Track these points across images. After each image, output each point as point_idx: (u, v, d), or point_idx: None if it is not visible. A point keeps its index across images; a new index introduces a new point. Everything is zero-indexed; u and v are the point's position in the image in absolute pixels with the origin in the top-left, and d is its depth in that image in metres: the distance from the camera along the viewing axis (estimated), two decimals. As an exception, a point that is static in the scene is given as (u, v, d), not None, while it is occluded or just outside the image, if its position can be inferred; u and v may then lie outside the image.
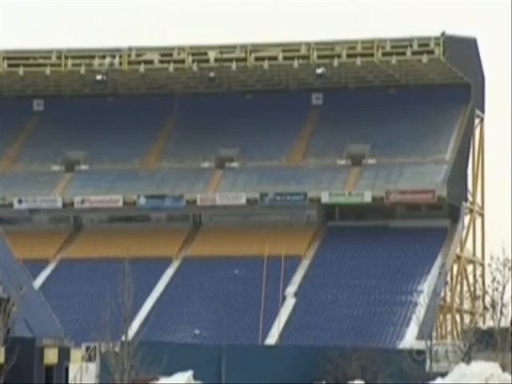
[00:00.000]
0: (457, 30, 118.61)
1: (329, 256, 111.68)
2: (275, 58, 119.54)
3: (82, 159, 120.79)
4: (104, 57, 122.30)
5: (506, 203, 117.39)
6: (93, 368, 66.02)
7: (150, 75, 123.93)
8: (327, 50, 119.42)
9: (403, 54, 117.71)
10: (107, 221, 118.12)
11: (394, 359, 67.51)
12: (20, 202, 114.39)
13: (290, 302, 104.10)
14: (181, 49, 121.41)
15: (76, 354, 62.04)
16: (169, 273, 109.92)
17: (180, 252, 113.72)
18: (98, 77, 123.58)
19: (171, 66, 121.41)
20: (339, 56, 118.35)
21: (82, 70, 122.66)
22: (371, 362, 62.42)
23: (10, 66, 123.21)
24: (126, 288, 49.94)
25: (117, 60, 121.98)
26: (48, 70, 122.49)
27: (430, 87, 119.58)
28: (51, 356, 57.25)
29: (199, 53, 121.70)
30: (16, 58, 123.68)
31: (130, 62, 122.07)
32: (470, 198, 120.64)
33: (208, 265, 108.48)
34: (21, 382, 48.51)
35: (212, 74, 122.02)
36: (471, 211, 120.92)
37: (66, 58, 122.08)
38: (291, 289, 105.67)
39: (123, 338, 49.90)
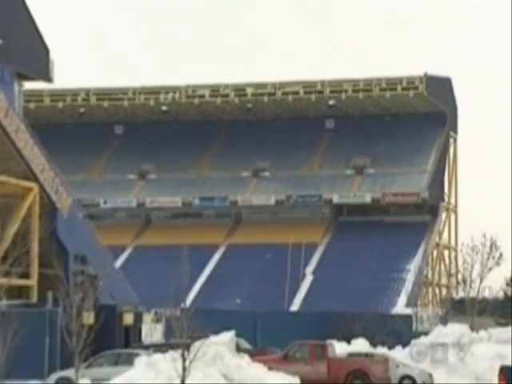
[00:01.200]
0: (435, 69, 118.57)
1: (338, 243, 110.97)
2: (297, 93, 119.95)
3: (151, 170, 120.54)
4: (168, 92, 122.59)
5: (473, 203, 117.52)
6: (160, 328, 64.21)
7: (203, 106, 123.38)
8: (337, 86, 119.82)
9: (395, 89, 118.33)
10: (170, 217, 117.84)
11: (388, 322, 66.63)
12: (105, 202, 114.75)
13: (308, 279, 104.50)
14: (226, 86, 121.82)
15: (147, 318, 62.49)
16: (216, 256, 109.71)
17: (225, 241, 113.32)
18: (164, 108, 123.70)
19: (218, 99, 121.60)
20: (346, 91, 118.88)
21: (152, 102, 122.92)
22: (371, 324, 60.93)
23: (97, 100, 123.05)
24: (184, 267, 48.48)
25: (177, 95, 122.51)
26: (126, 103, 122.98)
27: (416, 115, 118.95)
28: (128, 319, 57.44)
29: (239, 89, 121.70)
30: (102, 93, 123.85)
31: (187, 97, 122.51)
32: (446, 199, 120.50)
33: (246, 250, 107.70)
34: (105, 339, 46.97)
35: (249, 105, 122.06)
36: (447, 209, 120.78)
37: (140, 93, 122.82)
38: (309, 268, 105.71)
39: (182, 305, 48.62)
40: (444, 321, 63.88)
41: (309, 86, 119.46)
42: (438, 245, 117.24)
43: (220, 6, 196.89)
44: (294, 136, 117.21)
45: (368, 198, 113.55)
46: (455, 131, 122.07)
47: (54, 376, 42.75)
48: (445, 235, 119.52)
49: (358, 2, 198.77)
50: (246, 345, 48.14)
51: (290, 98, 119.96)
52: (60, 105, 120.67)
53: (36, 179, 70.65)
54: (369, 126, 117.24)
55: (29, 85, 79.26)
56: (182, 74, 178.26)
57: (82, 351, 40.36)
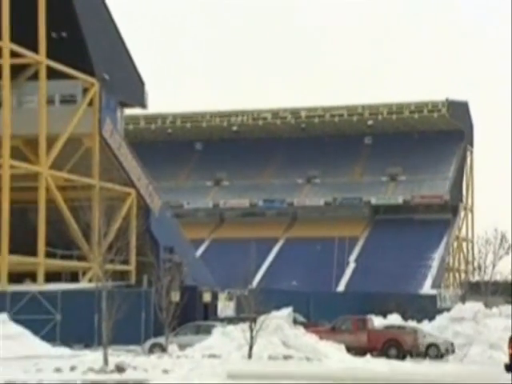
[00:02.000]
0: (455, 94, 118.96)
1: (375, 237, 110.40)
2: (342, 115, 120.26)
3: (224, 178, 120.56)
4: (237, 116, 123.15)
5: (487, 203, 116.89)
6: (231, 305, 64.48)
7: (265, 126, 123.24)
8: (374, 109, 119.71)
9: (422, 111, 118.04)
10: (240, 216, 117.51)
11: (417, 300, 66.69)
12: (188, 204, 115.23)
13: (351, 266, 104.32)
14: (284, 110, 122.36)
15: (221, 296, 62.27)
16: (276, 247, 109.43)
17: (283, 235, 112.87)
18: (234, 128, 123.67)
19: (278, 121, 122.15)
20: (382, 113, 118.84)
21: (225, 123, 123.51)
22: (403, 302, 60.79)
23: (182, 122, 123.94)
24: (251, 256, 48.85)
25: (245, 118, 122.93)
26: (204, 124, 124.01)
27: (439, 132, 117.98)
28: (207, 297, 57.23)
29: (295, 112, 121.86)
30: (185, 117, 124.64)
31: (253, 119, 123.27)
32: (464, 200, 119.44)
33: (300, 243, 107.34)
34: (189, 313, 47.51)
35: (303, 125, 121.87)
36: (465, 209, 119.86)
37: (215, 117, 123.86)
38: (352, 257, 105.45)
39: (250, 286, 48.96)
40: (463, 299, 63.55)
41: (351, 110, 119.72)
42: (457, 238, 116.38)
43: (277, 44, 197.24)
44: (339, 150, 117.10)
45: (400, 200, 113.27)
46: (471, 145, 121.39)
47: (149, 342, 43.39)
48: (463, 230, 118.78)
49: (390, 39, 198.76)
50: (301, 319, 48.26)
51: (336, 119, 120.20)
52: (152, 126, 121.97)
53: (134, 186, 71.45)
54: (400, 142, 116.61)
55: (128, 111, 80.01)
56: (249, 99, 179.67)
57: (170, 323, 41.01)
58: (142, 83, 75.75)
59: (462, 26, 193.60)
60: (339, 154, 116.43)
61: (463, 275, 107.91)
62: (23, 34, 60.70)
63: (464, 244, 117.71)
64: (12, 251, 59.94)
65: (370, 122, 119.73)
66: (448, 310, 56.32)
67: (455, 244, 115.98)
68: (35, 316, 50.58)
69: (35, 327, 48.26)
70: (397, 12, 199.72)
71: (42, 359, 35.09)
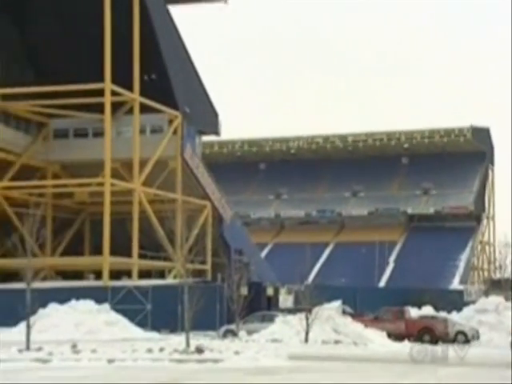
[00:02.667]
0: (479, 121, 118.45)
1: (411, 241, 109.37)
2: (382, 140, 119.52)
3: (284, 193, 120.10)
4: (294, 141, 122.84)
5: (506, 213, 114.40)
6: (290, 298, 63.44)
7: (318, 150, 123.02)
8: (409, 135, 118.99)
9: (450, 136, 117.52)
10: (297, 224, 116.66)
11: (447, 294, 66.09)
12: (254, 214, 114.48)
13: (391, 265, 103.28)
14: (333, 136, 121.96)
15: (282, 291, 61.64)
16: (328, 250, 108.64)
17: (333, 240, 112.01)
18: (292, 151, 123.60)
19: (328, 145, 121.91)
20: (416, 138, 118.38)
21: (284, 147, 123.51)
22: (435, 296, 60.04)
23: (249, 146, 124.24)
24: (306, 257, 49.22)
25: (301, 142, 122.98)
26: (267, 148, 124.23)
27: (464, 153, 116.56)
28: (270, 291, 57.36)
29: (343, 137, 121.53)
30: (251, 142, 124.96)
31: (307, 143, 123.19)
32: (486, 210, 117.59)
33: (348, 246, 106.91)
34: (255, 305, 47.74)
35: (350, 148, 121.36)
36: (487, 217, 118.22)
37: (276, 142, 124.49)
38: (391, 258, 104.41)
39: (305, 282, 49.17)
40: (486, 294, 63.15)
41: (390, 135, 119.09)
42: (481, 242, 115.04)
43: (326, 78, 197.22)
44: (380, 168, 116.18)
45: (432, 210, 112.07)
46: (492, 164, 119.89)
47: (223, 328, 43.65)
48: (486, 235, 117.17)
49: (422, 72, 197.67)
50: (348, 310, 48.07)
51: (377, 143, 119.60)
52: (224, 150, 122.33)
53: (209, 199, 71.99)
54: (432, 162, 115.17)
55: (205, 138, 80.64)
56: (305, 126, 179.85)
57: (240, 313, 41.54)
58: (216, 114, 76.29)
59: (481, 60, 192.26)
60: (380, 172, 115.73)
61: (486, 273, 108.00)
62: (121, 76, 61.74)
63: (487, 247, 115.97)
64: (112, 253, 60.87)
65: (406, 145, 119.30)
66: (473, 302, 55.86)
67: (479, 247, 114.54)
68: (130, 306, 51.30)
69: (130, 315, 49.09)
70: (427, 46, 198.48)
71: (136, 342, 35.68)
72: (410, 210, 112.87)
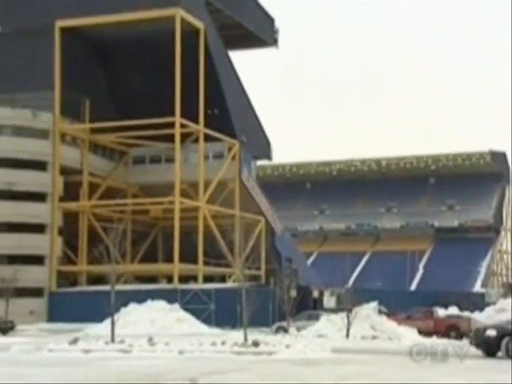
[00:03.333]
0: (497, 145, 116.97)
1: (438, 250, 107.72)
2: (412, 163, 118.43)
3: (327, 208, 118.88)
4: (335, 164, 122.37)
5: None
6: (333, 299, 60.09)
7: (356, 172, 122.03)
8: (436, 158, 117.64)
9: (471, 159, 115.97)
10: (338, 235, 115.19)
11: (470, 296, 65.60)
12: (301, 227, 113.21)
13: (421, 271, 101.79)
14: (370, 159, 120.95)
15: (326, 293, 60.47)
16: (365, 258, 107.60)
17: (370, 249, 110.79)
18: (334, 173, 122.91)
19: (365, 167, 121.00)
20: (442, 161, 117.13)
21: (327, 170, 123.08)
22: (460, 298, 59.49)
23: (296, 169, 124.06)
24: (347, 264, 49.35)
25: (341, 165, 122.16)
26: (312, 170, 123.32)
27: (484, 174, 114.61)
28: (315, 294, 57.59)
29: (377, 161, 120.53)
30: (298, 165, 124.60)
31: (347, 166, 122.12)
32: (504, 223, 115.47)
33: (383, 255, 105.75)
34: (303, 305, 47.52)
35: (383, 170, 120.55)
36: (505, 229, 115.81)
37: (319, 165, 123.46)
38: (421, 265, 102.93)
39: (346, 286, 49.01)
40: (504, 296, 62.49)
41: (419, 159, 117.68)
42: (499, 251, 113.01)
43: (360, 106, 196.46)
44: (410, 187, 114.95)
45: (456, 223, 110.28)
46: (509, 183, 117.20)
47: (275, 325, 43.49)
48: (504, 245, 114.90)
49: (447, 101, 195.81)
50: (384, 310, 47.67)
51: (408, 165, 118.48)
52: (276, 173, 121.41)
53: (263, 214, 72.25)
54: (456, 181, 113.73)
55: (259, 162, 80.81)
56: (344, 150, 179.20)
57: (290, 312, 41.52)
58: (268, 142, 76.67)
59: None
60: (410, 190, 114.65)
61: (504, 278, 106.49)
62: (188, 111, 62.46)
63: (505, 255, 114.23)
64: (181, 261, 61.40)
65: (433, 167, 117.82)
66: (493, 303, 55.37)
67: (498, 255, 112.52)
68: (197, 306, 51.74)
69: (197, 314, 49.43)
70: (453, 77, 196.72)
71: (202, 336, 35.88)
72: (436, 224, 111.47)
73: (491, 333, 23.34)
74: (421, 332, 39.19)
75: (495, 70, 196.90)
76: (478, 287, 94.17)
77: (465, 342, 29.43)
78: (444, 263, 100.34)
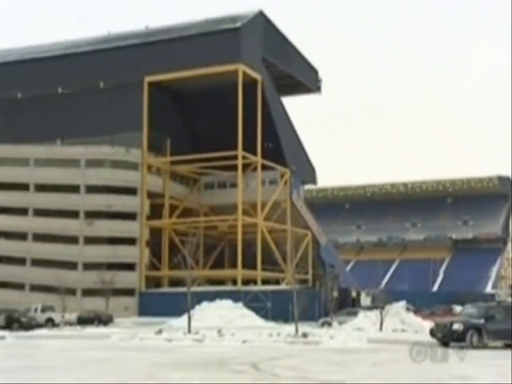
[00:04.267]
0: (503, 170, 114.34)
1: (456, 258, 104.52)
2: (433, 186, 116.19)
3: (363, 224, 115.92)
4: (370, 187, 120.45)
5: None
6: (369, 299, 58.87)
7: (387, 193, 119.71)
8: (452, 182, 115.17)
9: (482, 183, 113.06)
10: (372, 246, 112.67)
11: (483, 296, 63.58)
12: (341, 239, 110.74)
13: (441, 275, 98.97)
14: (398, 184, 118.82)
15: (363, 294, 59.42)
16: (394, 265, 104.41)
17: (398, 257, 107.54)
18: (368, 194, 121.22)
19: (395, 190, 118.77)
20: (457, 184, 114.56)
21: (362, 192, 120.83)
22: (474, 297, 57.64)
23: (338, 191, 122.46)
24: (379, 270, 49.16)
25: (375, 188, 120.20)
26: (350, 192, 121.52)
27: (493, 195, 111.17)
28: (354, 294, 57.36)
29: (405, 185, 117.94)
30: (339, 189, 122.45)
31: (379, 189, 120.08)
32: (510, 235, 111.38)
33: (409, 262, 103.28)
34: (343, 303, 47.49)
35: (409, 192, 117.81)
36: (511, 241, 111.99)
37: (357, 188, 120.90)
38: (441, 270, 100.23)
39: (379, 288, 48.33)
40: (511, 296, 60.73)
41: (439, 183, 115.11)
42: (507, 258, 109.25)
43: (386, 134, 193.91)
44: (432, 206, 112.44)
45: (470, 236, 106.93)
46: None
47: (321, 320, 43.06)
48: (510, 253, 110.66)
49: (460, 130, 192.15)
50: (411, 307, 46.97)
51: (430, 188, 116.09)
52: (320, 195, 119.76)
53: (310, 229, 71.98)
54: (469, 201, 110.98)
55: (306, 186, 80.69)
56: (376, 175, 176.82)
57: (333, 309, 41.07)
58: (313, 170, 76.46)
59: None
60: (431, 208, 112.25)
61: (511, 281, 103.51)
62: (248, 146, 62.86)
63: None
64: (243, 267, 61.50)
65: (450, 190, 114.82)
66: (502, 302, 53.81)
67: (506, 262, 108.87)
68: (256, 304, 51.57)
69: (257, 310, 49.36)
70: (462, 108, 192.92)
71: (260, 329, 35.92)
72: (454, 236, 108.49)
73: (458, 326, 22.74)
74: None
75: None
76: (489, 289, 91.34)
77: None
78: (460, 269, 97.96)
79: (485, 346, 22.65)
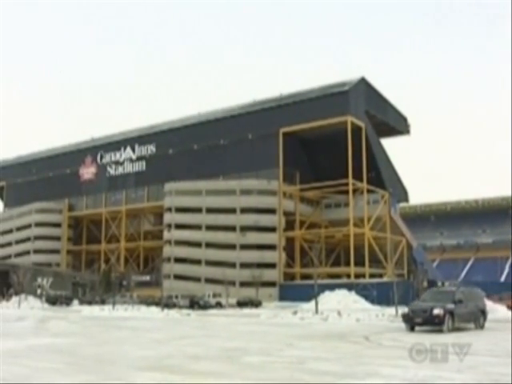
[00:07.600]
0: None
1: None
2: (498, 202, 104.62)
3: (444, 232, 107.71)
4: (449, 204, 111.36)
5: None
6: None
7: (463, 208, 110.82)
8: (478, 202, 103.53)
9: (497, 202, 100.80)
10: (452, 248, 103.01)
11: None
12: (428, 243, 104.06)
13: (506, 269, 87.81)
14: (472, 200, 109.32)
15: (446, 284, 50.94)
16: (470, 262, 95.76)
17: (472, 256, 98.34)
18: (448, 209, 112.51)
19: (468, 205, 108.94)
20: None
21: (443, 207, 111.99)
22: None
23: (425, 207, 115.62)
24: (458, 266, 45.36)
25: (453, 204, 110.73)
26: (434, 208, 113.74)
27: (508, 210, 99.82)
28: (439, 284, 51.15)
29: (475, 200, 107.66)
30: (426, 205, 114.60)
31: (457, 204, 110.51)
32: None
33: (481, 260, 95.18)
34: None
35: (480, 206, 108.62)
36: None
37: (438, 205, 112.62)
38: (507, 265, 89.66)
39: (459, 279, 44.95)
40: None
41: (503, 198, 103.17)
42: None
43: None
44: (498, 216, 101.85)
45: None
46: None
47: (410, 305, 41.21)
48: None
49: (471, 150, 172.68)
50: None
51: (495, 203, 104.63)
52: (411, 210, 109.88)
53: (404, 236, 69.16)
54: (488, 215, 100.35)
55: (401, 204, 77.10)
56: (454, 192, 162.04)
57: (418, 295, 38.92)
58: (405, 191, 73.81)
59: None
60: (498, 218, 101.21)
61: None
62: (357, 175, 61.88)
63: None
64: (355, 265, 60.04)
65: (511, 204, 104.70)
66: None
67: None
68: (365, 292, 50.09)
69: (366, 297, 48.10)
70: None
71: (369, 311, 35.31)
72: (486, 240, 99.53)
73: (438, 311, 19.40)
74: (509, 308, 35.70)
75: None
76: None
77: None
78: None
79: (457, 329, 20.01)
